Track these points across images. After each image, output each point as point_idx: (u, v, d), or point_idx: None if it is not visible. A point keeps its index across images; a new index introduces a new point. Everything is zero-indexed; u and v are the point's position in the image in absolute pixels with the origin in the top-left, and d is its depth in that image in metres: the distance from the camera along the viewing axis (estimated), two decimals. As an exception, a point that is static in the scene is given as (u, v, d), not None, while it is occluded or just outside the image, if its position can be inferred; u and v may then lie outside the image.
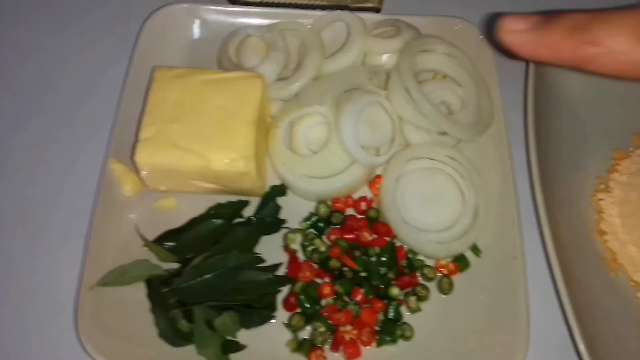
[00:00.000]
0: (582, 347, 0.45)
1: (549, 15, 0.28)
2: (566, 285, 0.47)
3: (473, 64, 0.57)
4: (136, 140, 0.48)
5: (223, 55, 0.58)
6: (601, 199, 0.57)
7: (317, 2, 0.60)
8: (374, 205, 0.54)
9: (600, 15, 0.26)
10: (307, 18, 0.59)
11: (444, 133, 0.55)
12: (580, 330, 0.45)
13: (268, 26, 0.58)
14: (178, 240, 0.50)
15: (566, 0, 0.55)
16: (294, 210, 0.53)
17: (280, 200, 0.53)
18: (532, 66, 0.57)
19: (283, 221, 0.52)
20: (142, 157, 0.47)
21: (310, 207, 0.54)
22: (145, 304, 0.47)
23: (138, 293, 0.48)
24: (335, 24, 0.60)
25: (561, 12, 0.27)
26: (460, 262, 0.51)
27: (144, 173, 0.49)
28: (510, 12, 0.65)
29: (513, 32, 0.28)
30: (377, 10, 0.61)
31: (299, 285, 0.49)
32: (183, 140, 0.47)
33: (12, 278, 0.51)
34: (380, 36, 0.58)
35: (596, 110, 0.60)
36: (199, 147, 0.47)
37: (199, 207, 0.52)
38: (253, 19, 0.60)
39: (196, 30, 0.60)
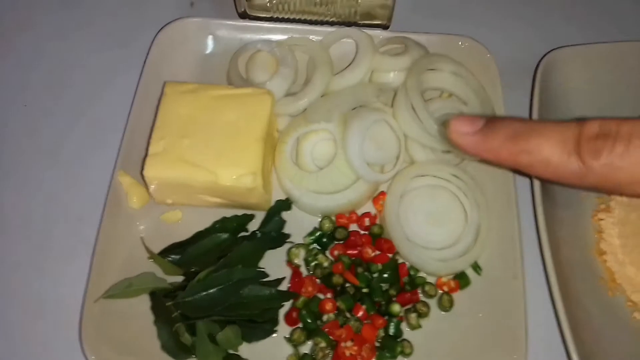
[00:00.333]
0: (578, 367, 0.45)
1: (493, 121, 0.30)
2: (564, 304, 0.48)
3: (479, 83, 0.58)
4: (146, 155, 0.49)
5: (232, 70, 0.58)
6: (601, 219, 0.58)
7: (326, 19, 0.61)
8: (377, 221, 0.55)
9: (536, 126, 0.29)
10: (316, 34, 0.60)
11: (449, 151, 0.55)
12: (577, 350, 0.46)
13: (277, 42, 0.59)
14: (183, 253, 0.50)
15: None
16: (298, 225, 0.54)
17: (284, 215, 0.54)
18: (537, 87, 0.57)
19: (287, 236, 0.53)
20: (152, 171, 0.48)
21: (314, 222, 0.54)
22: (149, 316, 0.48)
23: (142, 305, 0.49)
24: (343, 40, 0.60)
25: (504, 119, 0.30)
26: (461, 279, 0.52)
27: (152, 187, 0.50)
28: (516, 27, 0.67)
29: (461, 134, 0.30)
30: (385, 27, 0.62)
31: (301, 300, 0.50)
32: (192, 156, 0.48)
33: (17, 288, 0.52)
34: (388, 53, 0.59)
35: (599, 131, 0.61)
36: (208, 163, 0.48)
37: (204, 220, 0.53)
38: (263, 34, 0.60)
39: (206, 44, 0.61)
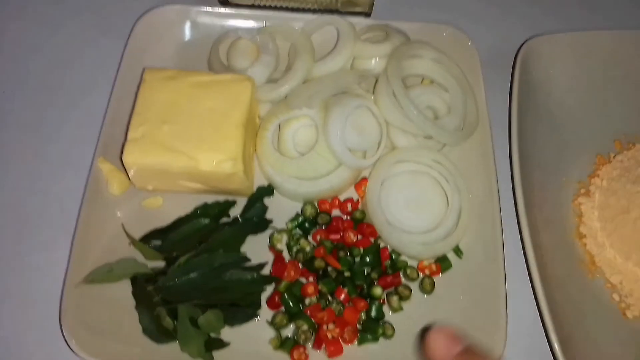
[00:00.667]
0: (556, 346, 0.46)
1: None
2: (543, 287, 0.48)
3: (460, 70, 0.58)
4: (125, 140, 0.49)
5: (214, 57, 0.58)
6: (581, 203, 0.58)
7: (308, 6, 0.61)
8: (359, 206, 0.55)
9: None
10: (298, 21, 0.60)
11: (430, 137, 0.56)
12: (556, 331, 0.47)
13: (259, 29, 0.59)
14: (164, 239, 0.51)
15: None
16: (281, 211, 0.54)
17: (267, 201, 0.54)
18: (517, 73, 0.58)
19: (269, 221, 0.53)
20: (131, 157, 0.48)
21: (296, 207, 0.54)
22: (130, 301, 0.48)
23: (123, 291, 0.48)
24: (325, 27, 0.60)
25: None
26: (443, 263, 0.53)
27: (132, 172, 0.50)
28: (497, 16, 0.68)
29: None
30: (367, 15, 0.62)
31: (283, 284, 0.50)
32: (172, 141, 0.48)
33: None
34: (370, 41, 0.59)
35: (579, 116, 0.62)
36: (188, 148, 0.48)
37: (185, 207, 0.53)
38: (244, 21, 0.60)
39: (187, 32, 0.61)
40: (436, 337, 0.31)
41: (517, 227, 0.53)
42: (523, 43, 0.60)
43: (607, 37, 0.63)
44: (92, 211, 0.51)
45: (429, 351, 0.31)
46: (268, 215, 0.54)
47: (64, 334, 0.45)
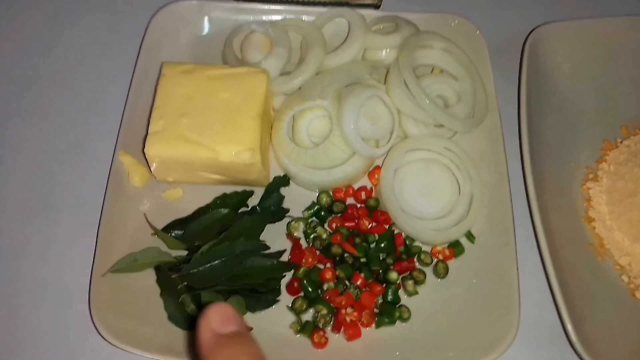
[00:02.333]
0: (569, 327, 0.47)
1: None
2: (555, 270, 0.50)
3: (469, 59, 0.60)
4: (146, 134, 0.50)
5: (228, 51, 0.60)
6: (590, 188, 0.60)
7: (318, -1, 0.62)
8: (373, 194, 0.56)
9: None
10: (309, 14, 0.61)
11: (441, 125, 0.57)
12: (569, 312, 0.48)
13: (271, 22, 0.60)
14: (185, 229, 0.52)
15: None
16: (297, 200, 0.55)
17: (283, 191, 0.56)
18: (525, 60, 0.59)
19: (286, 210, 0.55)
20: (152, 149, 0.49)
21: (312, 196, 0.56)
22: (155, 289, 0.50)
23: (148, 279, 0.50)
24: (336, 20, 0.62)
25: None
26: (455, 248, 0.54)
27: (154, 164, 0.51)
28: (504, 5, 0.68)
29: None
30: (376, 6, 0.63)
31: (302, 270, 0.51)
32: (191, 133, 0.50)
33: (26, 266, 0.53)
34: (380, 32, 0.60)
35: (587, 102, 0.63)
36: (207, 140, 0.49)
37: (204, 197, 0.54)
38: (257, 15, 0.61)
39: (201, 26, 0.62)
40: (214, 310, 0.29)
41: (528, 211, 0.54)
42: (531, 31, 0.61)
43: (614, 23, 0.64)
44: (115, 203, 0.52)
45: (201, 320, 0.29)
46: (284, 205, 0.55)
47: (94, 321, 0.47)
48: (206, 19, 0.62)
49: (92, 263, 0.50)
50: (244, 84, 0.52)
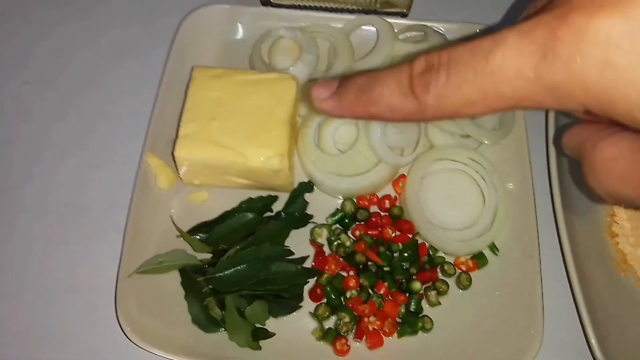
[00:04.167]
0: (594, 343, 0.47)
1: (345, 80, 0.31)
2: (580, 284, 0.50)
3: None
4: (176, 137, 0.51)
5: (256, 56, 0.60)
6: (614, 203, 0.59)
7: (347, 6, 0.62)
8: (397, 203, 0.56)
9: (378, 75, 0.29)
10: (337, 21, 0.62)
11: (467, 136, 0.57)
12: (593, 328, 0.48)
13: (300, 28, 0.61)
14: (211, 232, 0.52)
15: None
16: (321, 206, 0.55)
17: (307, 196, 0.56)
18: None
19: (310, 216, 0.55)
20: (182, 152, 0.50)
21: (336, 203, 0.56)
22: (180, 291, 0.50)
23: (173, 281, 0.50)
24: (364, 27, 0.62)
25: (354, 76, 0.30)
26: (479, 259, 0.54)
27: (183, 167, 0.52)
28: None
29: (321, 100, 0.31)
30: (404, 15, 0.63)
31: (325, 277, 0.51)
32: (221, 138, 0.50)
33: (54, 267, 0.54)
34: (408, 41, 0.60)
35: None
36: (236, 145, 0.50)
37: (229, 201, 0.54)
38: (286, 21, 0.62)
39: (230, 30, 0.62)
40: (317, 85, 0.31)
41: (553, 224, 0.54)
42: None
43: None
44: (141, 205, 0.52)
45: (315, 101, 0.30)
46: (308, 211, 0.55)
47: (120, 321, 0.47)
48: (235, 23, 0.62)
49: (118, 263, 0.50)
50: (274, 89, 0.52)
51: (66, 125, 0.61)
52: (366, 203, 0.56)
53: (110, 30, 0.66)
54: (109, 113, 0.61)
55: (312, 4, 0.63)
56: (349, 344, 0.49)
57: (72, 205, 0.56)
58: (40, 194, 0.57)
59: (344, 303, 0.51)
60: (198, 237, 0.52)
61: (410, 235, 0.54)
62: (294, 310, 0.50)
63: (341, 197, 0.56)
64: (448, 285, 0.52)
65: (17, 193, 0.57)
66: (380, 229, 0.54)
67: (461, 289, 0.53)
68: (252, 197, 0.54)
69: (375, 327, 0.50)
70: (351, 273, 0.52)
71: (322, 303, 0.51)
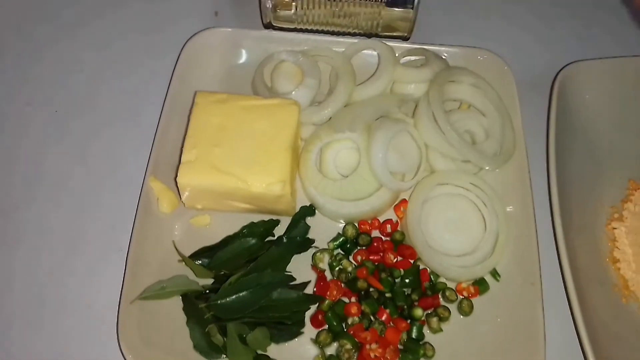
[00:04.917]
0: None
1: None
2: (582, 310, 0.50)
3: (497, 95, 0.60)
4: (179, 162, 0.51)
5: (258, 79, 0.60)
6: (615, 228, 0.59)
7: (348, 30, 0.63)
8: (399, 228, 0.56)
9: None
10: (339, 45, 0.62)
11: (468, 161, 0.57)
12: (595, 354, 0.48)
13: (301, 52, 0.61)
14: (213, 257, 0.52)
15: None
16: (322, 230, 0.55)
17: (309, 220, 0.56)
18: (554, 99, 0.59)
19: (312, 241, 0.55)
20: (185, 178, 0.50)
21: (337, 227, 0.56)
22: (182, 316, 0.50)
23: (176, 306, 0.50)
24: (365, 51, 0.62)
25: None
26: (481, 285, 0.54)
27: (185, 193, 0.52)
28: (532, 41, 0.69)
29: None
30: (405, 38, 0.63)
31: (326, 303, 0.51)
32: (223, 164, 0.50)
33: (54, 291, 0.53)
34: (409, 65, 0.61)
35: (613, 142, 0.63)
36: (239, 171, 0.50)
37: (231, 225, 0.54)
38: (288, 45, 0.62)
39: (232, 54, 0.63)
40: None
41: (554, 250, 0.54)
42: (561, 69, 0.61)
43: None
44: (144, 228, 0.52)
45: None
46: (310, 235, 0.55)
47: (122, 348, 0.47)
48: (237, 47, 0.62)
49: (120, 286, 0.50)
50: (276, 115, 0.53)
51: (68, 148, 0.61)
52: (368, 227, 0.56)
53: (115, 53, 0.67)
54: (112, 136, 0.61)
55: (314, 28, 0.63)
56: (350, 371, 0.49)
57: (73, 228, 0.56)
58: (42, 216, 0.57)
59: (345, 329, 0.51)
60: (200, 262, 0.52)
61: (412, 261, 0.54)
62: (295, 337, 0.50)
63: (343, 221, 0.56)
64: (450, 312, 0.52)
65: (18, 215, 0.57)
66: (382, 254, 0.54)
67: (463, 315, 0.53)
68: (254, 221, 0.54)
69: (377, 355, 0.50)
70: (353, 299, 0.52)
71: (323, 329, 0.51)
